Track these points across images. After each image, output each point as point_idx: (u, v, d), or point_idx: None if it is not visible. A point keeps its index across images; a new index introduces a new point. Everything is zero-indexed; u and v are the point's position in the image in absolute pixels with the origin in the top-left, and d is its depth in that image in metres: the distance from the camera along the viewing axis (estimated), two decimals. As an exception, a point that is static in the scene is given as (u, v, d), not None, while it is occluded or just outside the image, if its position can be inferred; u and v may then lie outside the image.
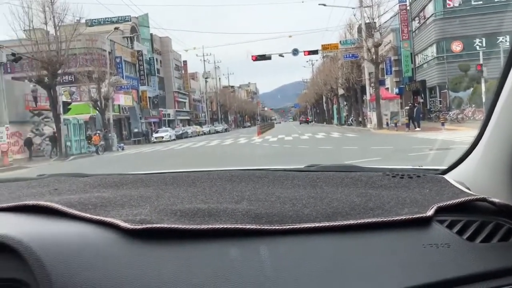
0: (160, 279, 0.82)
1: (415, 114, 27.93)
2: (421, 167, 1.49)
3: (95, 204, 1.06)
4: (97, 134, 30.25)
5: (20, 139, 27.91)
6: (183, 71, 75.64)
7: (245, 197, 1.12)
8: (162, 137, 43.80)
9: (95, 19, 50.54)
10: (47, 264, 0.82)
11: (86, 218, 0.97)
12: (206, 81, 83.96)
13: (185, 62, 77.18)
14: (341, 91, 51.71)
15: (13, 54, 22.76)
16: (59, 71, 26.97)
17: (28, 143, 27.11)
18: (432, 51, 39.14)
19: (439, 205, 0.98)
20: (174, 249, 0.89)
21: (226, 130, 72.95)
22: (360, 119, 40.65)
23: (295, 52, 38.89)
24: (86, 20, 40.47)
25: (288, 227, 0.93)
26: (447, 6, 36.68)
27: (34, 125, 29.15)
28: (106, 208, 1.04)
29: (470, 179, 1.14)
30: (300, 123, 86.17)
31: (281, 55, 40.00)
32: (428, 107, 39.30)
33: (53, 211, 1.01)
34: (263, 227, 0.93)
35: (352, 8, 36.13)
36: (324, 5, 36.55)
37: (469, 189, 1.09)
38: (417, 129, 26.26)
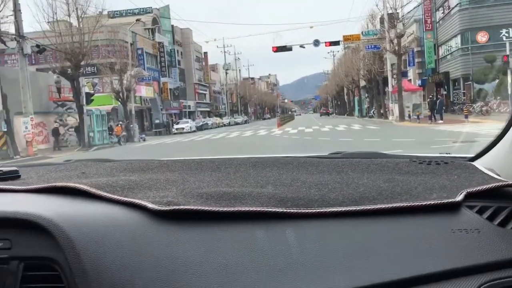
0: (186, 259, 0.83)
1: (437, 106, 27.49)
2: (448, 154, 1.46)
3: (123, 186, 1.08)
4: (120, 125, 30.63)
5: (44, 129, 28.42)
6: (203, 63, 75.83)
7: (270, 182, 1.12)
8: (183, 128, 44.10)
9: (117, 11, 51.09)
10: (77, 243, 0.84)
11: (114, 199, 0.98)
12: (226, 73, 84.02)
13: (205, 53, 77.32)
14: (362, 83, 51.20)
15: (37, 46, 23.09)
16: (82, 63, 27.32)
17: (55, 133, 27.61)
18: (456, 42, 38.35)
19: (468, 190, 0.96)
20: (200, 230, 0.90)
21: (246, 121, 73.02)
22: (381, 111, 40.19)
23: (316, 43, 38.55)
24: (108, 11, 41.01)
25: (315, 210, 0.93)
26: (473, -4, 35.85)
27: (58, 116, 29.65)
28: (134, 191, 1.05)
29: (500, 165, 1.12)
30: (321, 115, 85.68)
31: (302, 46, 39.69)
32: (451, 99, 38.61)
33: (82, 192, 1.03)
34: (289, 210, 0.93)
35: (375, -1, 35.54)
36: (346, -5, 36.05)
37: (499, 176, 1.07)
38: (440, 121, 25.85)
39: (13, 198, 1.07)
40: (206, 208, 0.93)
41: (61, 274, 0.86)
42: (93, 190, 1.02)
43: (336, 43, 40.29)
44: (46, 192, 1.07)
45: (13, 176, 1.28)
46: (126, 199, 0.98)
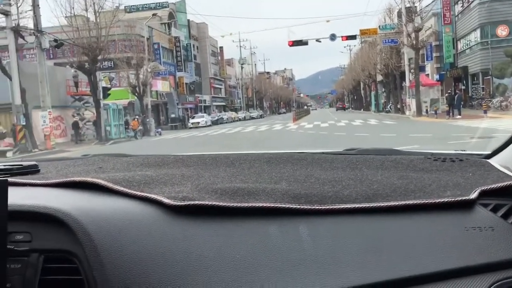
0: (201, 253, 0.85)
1: (456, 101, 27.10)
2: (464, 151, 1.45)
3: (139, 181, 1.10)
4: (136, 119, 30.87)
5: (62, 123, 28.80)
6: (219, 57, 75.89)
7: (284, 178, 1.13)
8: (198, 122, 44.27)
9: (133, 6, 51.37)
10: (95, 236, 0.86)
11: (130, 194, 1.00)
12: (242, 67, 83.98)
13: (221, 48, 77.36)
14: (379, 77, 50.69)
15: (55, 40, 23.37)
16: (99, 57, 27.56)
17: (76, 126, 27.97)
18: (475, 36, 37.70)
19: (483, 188, 0.96)
20: (215, 225, 0.92)
21: (261, 116, 72.99)
22: (398, 106, 39.80)
23: (333, 37, 38.27)
24: (125, 6, 41.23)
25: (328, 207, 0.94)
26: (493, -11, 35.16)
27: (75, 110, 30.01)
28: (150, 186, 1.07)
29: None
30: (337, 110, 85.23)
31: (318, 40, 39.43)
32: (470, 94, 38.04)
33: (99, 187, 1.05)
34: (302, 206, 0.94)
35: (393, -8, 35.09)
36: (363, -11, 35.68)
37: None
38: (458, 116, 25.51)
39: (33, 192, 1.09)
40: (221, 203, 0.94)
41: (79, 266, 0.88)
42: (111, 185, 1.04)
43: (352, 37, 39.96)
44: (65, 186, 1.09)
45: (32, 170, 1.31)
46: (142, 194, 0.99)
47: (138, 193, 1.00)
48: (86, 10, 27.95)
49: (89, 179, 1.08)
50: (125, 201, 0.99)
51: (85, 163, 1.47)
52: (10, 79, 20.70)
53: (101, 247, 0.84)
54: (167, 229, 0.90)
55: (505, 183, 0.97)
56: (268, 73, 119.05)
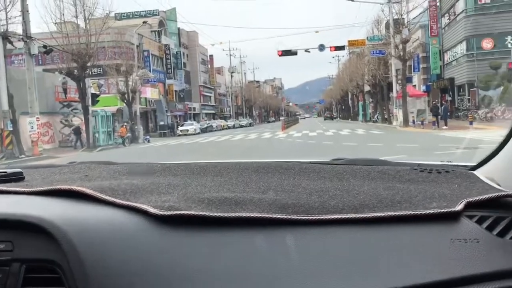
0: (187, 264, 0.84)
1: (442, 112, 27.42)
2: (450, 163, 1.46)
3: (125, 190, 1.09)
4: (124, 126, 30.69)
5: (50, 129, 28.53)
6: (209, 66, 75.98)
7: (272, 188, 1.12)
8: (187, 130, 44.15)
9: (124, 13, 51.35)
10: (79, 246, 0.85)
11: (116, 203, 0.99)
12: (231, 76, 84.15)
13: (211, 56, 77.49)
14: (367, 88, 51.12)
15: (44, 46, 23.20)
16: (88, 64, 27.44)
17: (77, 132, 27.65)
18: (461, 48, 38.25)
19: (468, 200, 0.96)
20: (201, 236, 0.91)
21: (250, 124, 73.03)
22: (386, 116, 40.11)
23: (321, 47, 38.55)
24: (115, 14, 41.21)
25: (315, 217, 0.93)
26: (479, 3, 35.77)
27: (64, 116, 29.76)
28: (136, 195, 1.06)
29: (501, 175, 1.12)
30: (325, 119, 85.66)
31: (307, 50, 39.71)
32: (456, 105, 38.50)
33: (85, 196, 1.04)
34: (289, 216, 0.93)
35: (381, 4, 35.50)
36: (352, 0, 36.11)
37: (499, 185, 1.07)
38: (444, 127, 25.77)
39: (17, 200, 1.07)
40: (207, 213, 0.93)
41: (62, 277, 0.87)
42: (96, 194, 1.03)
43: (341, 48, 40.24)
44: (50, 194, 1.08)
45: (17, 178, 1.29)
46: (128, 203, 0.98)
47: (124, 202, 0.99)
48: (76, 16, 27.87)
49: (74, 187, 1.06)
50: (110, 210, 0.98)
51: (71, 170, 1.45)
52: (-2, 84, 20.50)
53: (85, 257, 0.83)
54: (153, 239, 0.89)
55: (490, 195, 0.97)
56: (257, 82, 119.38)
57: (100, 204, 1.00)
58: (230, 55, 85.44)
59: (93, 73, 33.82)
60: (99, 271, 0.82)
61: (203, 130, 48.80)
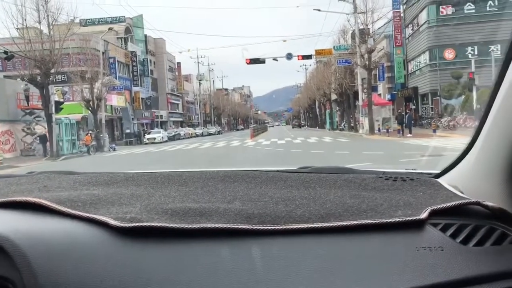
0: (150, 277, 0.81)
1: (406, 120, 28.13)
2: (414, 170, 1.48)
3: (85, 201, 1.05)
4: (89, 134, 30.06)
5: (11, 137, 27.67)
6: (176, 73, 75.52)
7: (238, 197, 1.11)
8: (154, 138, 43.64)
9: (89, 19, 50.47)
10: (34, 262, 0.80)
11: (75, 215, 0.95)
12: (199, 83, 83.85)
13: (179, 64, 77.07)
14: (334, 96, 51.86)
15: (5, 52, 22.53)
16: (52, 70, 26.76)
17: (43, 140, 26.90)
18: (424, 58, 39.42)
19: (432, 208, 0.97)
20: (164, 248, 0.88)
21: (219, 132, 72.87)
22: (352, 124, 40.78)
23: (289, 56, 38.96)
24: (80, 20, 40.42)
25: (281, 227, 0.92)
26: (440, 14, 37.01)
27: (26, 124, 28.93)
28: (96, 206, 1.02)
29: (464, 183, 1.14)
30: (293, 127, 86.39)
31: (275, 59, 40.03)
32: (420, 114, 39.54)
33: (42, 207, 0.99)
34: (255, 227, 0.92)
35: (346, 14, 36.21)
36: (319, 10, 36.74)
37: (462, 193, 1.09)
38: (409, 135, 26.41)
39: None
40: (170, 225, 0.91)
41: None
42: (54, 205, 0.98)
43: (308, 57, 40.81)
44: (4, 206, 1.03)
45: None
46: (87, 215, 0.95)
47: (83, 214, 0.95)
48: (40, 22, 27.18)
49: (30, 198, 1.02)
50: (68, 222, 0.94)
51: (29, 181, 1.39)
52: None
53: (41, 273, 0.79)
54: (114, 252, 0.86)
55: (453, 203, 0.98)
56: (226, 89, 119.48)
57: (58, 216, 0.96)
58: (198, 62, 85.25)
59: (57, 80, 33.07)
60: (55, 286, 0.78)
61: (171, 138, 48.34)
